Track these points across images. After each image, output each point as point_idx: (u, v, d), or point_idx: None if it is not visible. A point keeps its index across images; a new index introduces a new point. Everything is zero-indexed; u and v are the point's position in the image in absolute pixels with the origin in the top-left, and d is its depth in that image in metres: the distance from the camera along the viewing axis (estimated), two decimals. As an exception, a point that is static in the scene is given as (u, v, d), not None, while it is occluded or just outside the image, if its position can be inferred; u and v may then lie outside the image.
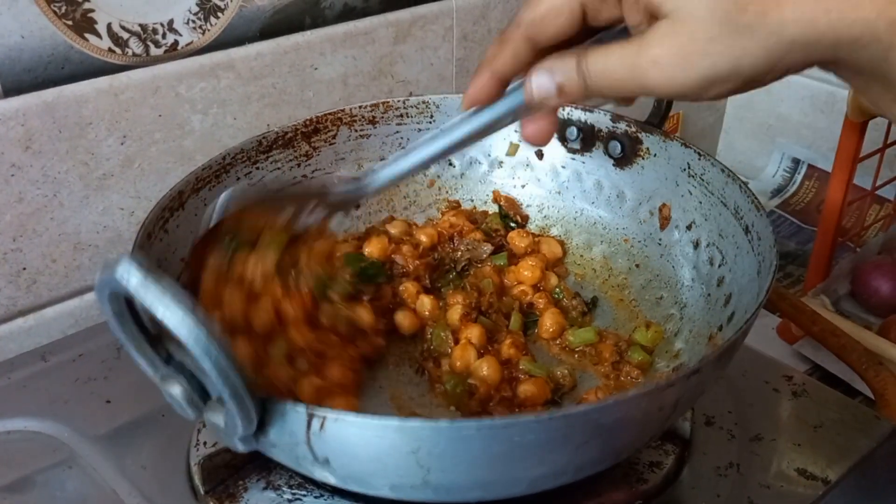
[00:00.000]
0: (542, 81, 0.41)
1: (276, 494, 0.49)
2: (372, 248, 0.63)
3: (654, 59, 0.37)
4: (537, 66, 0.42)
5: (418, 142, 0.48)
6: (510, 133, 0.69)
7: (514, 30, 0.42)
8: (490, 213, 0.69)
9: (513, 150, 0.70)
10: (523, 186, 0.70)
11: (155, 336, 0.40)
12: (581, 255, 0.67)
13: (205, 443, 0.52)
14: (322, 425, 0.38)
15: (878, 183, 0.93)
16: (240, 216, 0.48)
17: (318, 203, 0.51)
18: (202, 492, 0.50)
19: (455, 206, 0.70)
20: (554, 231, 0.69)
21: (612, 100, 0.43)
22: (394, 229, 0.66)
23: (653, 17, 0.38)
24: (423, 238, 0.65)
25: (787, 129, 1.18)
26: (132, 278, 0.34)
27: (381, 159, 0.69)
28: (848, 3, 0.34)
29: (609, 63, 0.39)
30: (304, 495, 0.49)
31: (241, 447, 0.40)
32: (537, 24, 0.41)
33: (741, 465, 0.53)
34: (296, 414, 0.39)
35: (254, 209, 0.49)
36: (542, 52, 0.42)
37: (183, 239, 0.55)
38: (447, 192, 0.71)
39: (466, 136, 0.47)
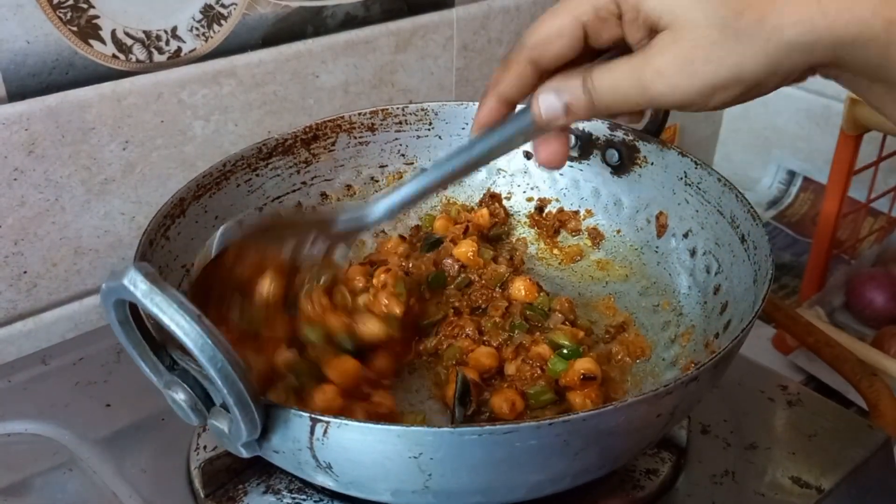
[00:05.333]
0: (548, 101, 0.42)
1: (276, 499, 0.50)
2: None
3: (658, 70, 0.38)
4: (543, 87, 0.42)
5: (426, 168, 0.48)
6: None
7: (518, 53, 0.43)
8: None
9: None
10: (523, 194, 0.70)
11: (159, 343, 0.40)
12: (578, 263, 0.67)
13: (205, 447, 0.52)
14: (325, 431, 0.39)
15: (873, 196, 0.94)
16: (239, 252, 0.47)
17: (318, 235, 0.51)
18: (202, 495, 0.50)
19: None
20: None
21: (620, 115, 0.44)
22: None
23: (653, 31, 0.38)
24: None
25: (783, 142, 1.19)
26: (139, 287, 0.35)
27: (381, 166, 0.69)
28: (843, 4, 0.35)
29: (614, 78, 0.39)
30: (304, 499, 0.50)
31: (244, 453, 0.41)
32: (540, 46, 0.42)
33: (736, 473, 0.53)
34: (299, 420, 0.39)
35: (254, 244, 0.48)
36: (546, 74, 0.43)
37: (184, 245, 0.56)
38: (446, 197, 0.72)
39: (474, 160, 0.46)
